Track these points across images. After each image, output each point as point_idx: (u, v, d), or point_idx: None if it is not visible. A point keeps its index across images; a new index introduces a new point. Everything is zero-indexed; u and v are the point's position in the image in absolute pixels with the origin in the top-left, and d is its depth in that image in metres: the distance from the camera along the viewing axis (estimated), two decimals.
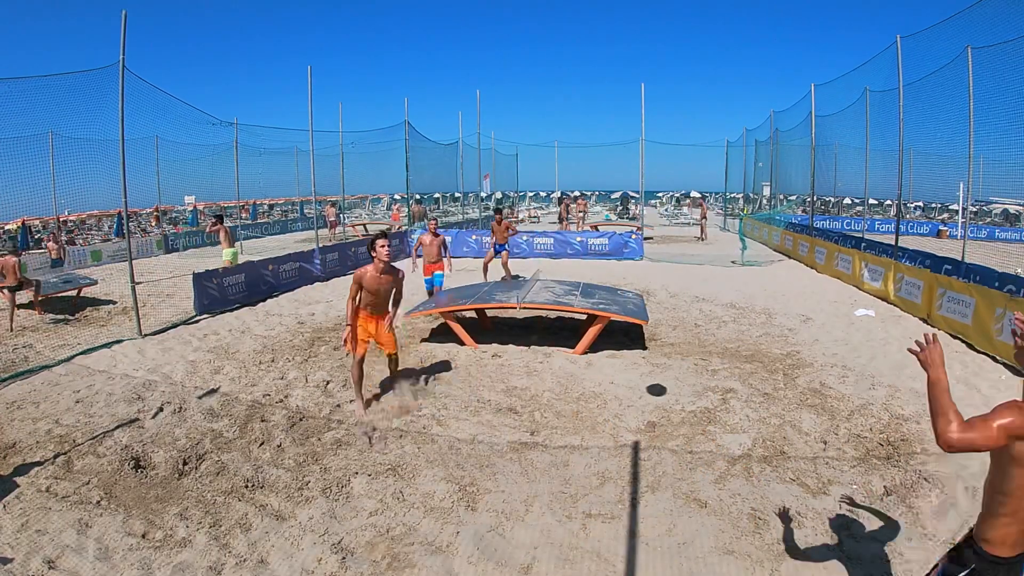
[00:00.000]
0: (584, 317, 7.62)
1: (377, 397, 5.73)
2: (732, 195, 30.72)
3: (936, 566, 2.15)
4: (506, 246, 11.84)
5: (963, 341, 7.63)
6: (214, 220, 12.01)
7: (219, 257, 11.43)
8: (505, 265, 11.83)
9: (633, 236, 16.96)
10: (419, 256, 9.50)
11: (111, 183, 15.99)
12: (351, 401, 5.55)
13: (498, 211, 12.60)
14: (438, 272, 9.34)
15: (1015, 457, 1.82)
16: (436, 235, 9.39)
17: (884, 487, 4.02)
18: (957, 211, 22.76)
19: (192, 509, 3.80)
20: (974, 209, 23.05)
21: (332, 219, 23.31)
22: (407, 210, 22.42)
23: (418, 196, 22.51)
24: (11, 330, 8.51)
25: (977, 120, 9.81)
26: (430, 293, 9.33)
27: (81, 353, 7.24)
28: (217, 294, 9.76)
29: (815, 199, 19.82)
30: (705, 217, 22.89)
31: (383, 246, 5.19)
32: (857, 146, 16.29)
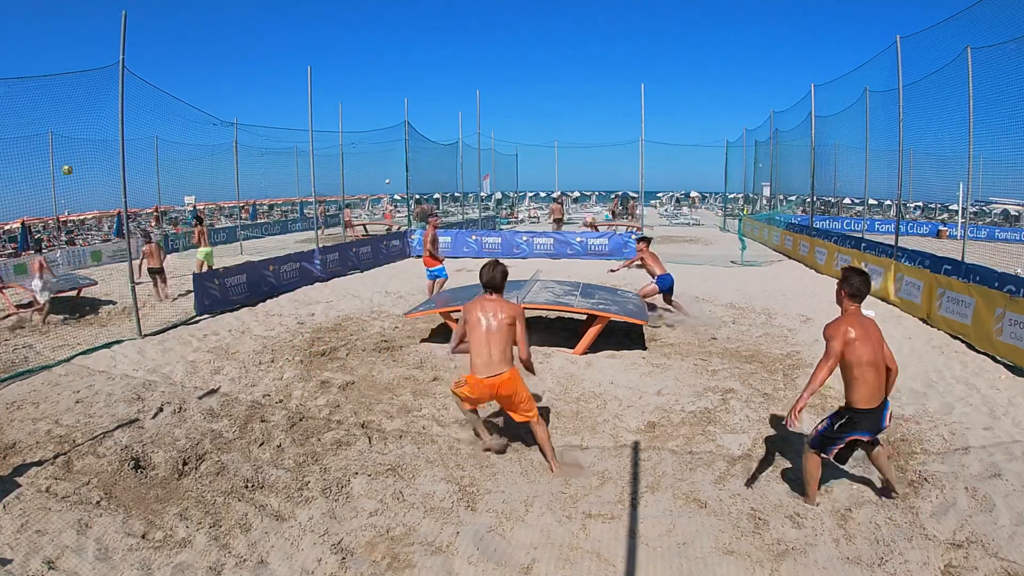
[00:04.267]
0: (584, 317, 7.62)
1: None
2: (732, 195, 30.75)
3: (821, 422, 3.74)
4: None
5: (963, 341, 7.62)
6: (145, 237, 13.06)
7: (218, 257, 11.46)
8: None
9: (633, 236, 16.96)
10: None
11: (111, 183, 16.03)
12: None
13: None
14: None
15: (843, 361, 3.55)
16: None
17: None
18: (957, 211, 22.73)
19: (192, 509, 3.79)
20: (974, 209, 23.06)
21: (348, 219, 23.42)
22: (407, 210, 22.39)
23: (417, 196, 22.47)
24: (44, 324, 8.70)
25: (977, 120, 9.79)
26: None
27: (81, 353, 7.24)
28: (218, 294, 9.76)
29: (815, 199, 19.81)
30: (631, 214, 23.12)
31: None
32: (857, 146, 16.28)
